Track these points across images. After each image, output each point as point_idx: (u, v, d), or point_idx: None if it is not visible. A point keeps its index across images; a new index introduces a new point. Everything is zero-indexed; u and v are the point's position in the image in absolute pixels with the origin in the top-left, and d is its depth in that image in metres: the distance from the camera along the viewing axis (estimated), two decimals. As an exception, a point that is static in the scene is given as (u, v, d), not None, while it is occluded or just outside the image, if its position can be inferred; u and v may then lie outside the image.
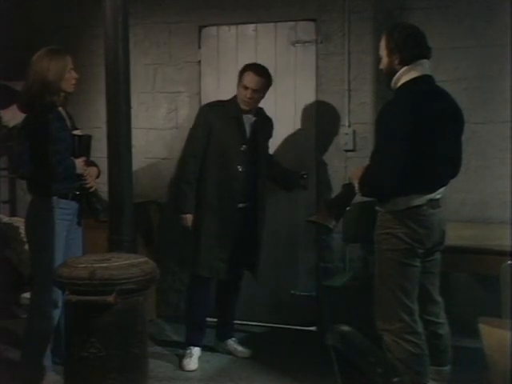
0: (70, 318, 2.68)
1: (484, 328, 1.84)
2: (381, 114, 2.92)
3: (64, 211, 3.34)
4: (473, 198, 3.99)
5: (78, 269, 2.61)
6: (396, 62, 2.89)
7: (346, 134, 4.20)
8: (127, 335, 2.64)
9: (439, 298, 3.01)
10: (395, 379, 1.95)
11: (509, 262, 2.34)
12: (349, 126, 4.21)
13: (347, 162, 4.21)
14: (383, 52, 2.94)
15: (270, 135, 3.99)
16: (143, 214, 4.54)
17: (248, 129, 3.78)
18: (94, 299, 2.54)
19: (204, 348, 3.93)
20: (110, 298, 2.52)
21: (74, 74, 3.34)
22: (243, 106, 3.72)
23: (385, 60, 2.94)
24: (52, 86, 3.25)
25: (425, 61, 2.93)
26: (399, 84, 2.91)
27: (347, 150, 4.21)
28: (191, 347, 3.84)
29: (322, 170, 4.29)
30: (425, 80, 2.95)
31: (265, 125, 3.90)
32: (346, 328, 2.53)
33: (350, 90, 4.19)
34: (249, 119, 3.78)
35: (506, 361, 1.69)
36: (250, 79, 3.66)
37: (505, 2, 3.84)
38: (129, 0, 4.27)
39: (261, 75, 3.68)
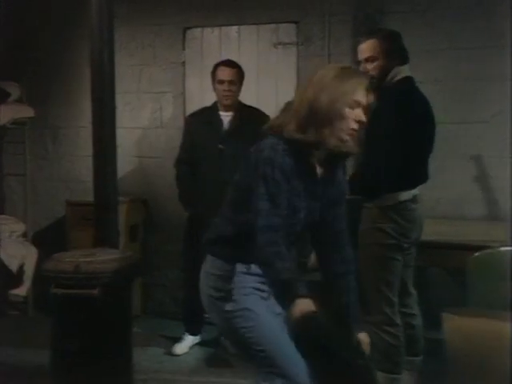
0: (55, 311, 2.78)
1: (446, 316, 1.95)
2: (382, 111, 2.99)
3: None
4: (448, 196, 4.12)
5: (63, 263, 2.72)
6: (394, 62, 3.00)
7: (326, 133, 4.31)
8: (112, 327, 2.75)
9: (413, 291, 3.14)
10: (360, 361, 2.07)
11: (476, 254, 2.47)
12: (329, 126, 4.32)
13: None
14: (378, 54, 2.99)
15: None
16: (129, 212, 4.64)
17: (227, 127, 3.89)
18: (79, 292, 2.65)
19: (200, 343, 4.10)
20: (94, 291, 2.62)
21: None
22: (224, 102, 3.85)
23: (381, 62, 2.99)
24: None
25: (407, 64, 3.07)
26: (392, 82, 3.01)
27: (327, 149, 4.32)
28: (185, 333, 4.03)
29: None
30: (411, 80, 3.08)
31: (251, 122, 3.83)
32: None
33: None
34: (226, 117, 3.89)
35: (466, 346, 1.79)
36: (224, 72, 3.83)
37: (478, 7, 3.98)
38: (115, 2, 4.42)
39: (233, 66, 3.87)
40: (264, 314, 2.11)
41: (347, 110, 2.00)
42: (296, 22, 4.38)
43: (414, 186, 3.03)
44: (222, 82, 3.83)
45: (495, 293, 2.29)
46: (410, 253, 3.07)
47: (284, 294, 1.97)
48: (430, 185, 3.86)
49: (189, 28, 4.65)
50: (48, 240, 4.94)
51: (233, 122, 3.90)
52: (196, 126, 3.95)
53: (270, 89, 4.46)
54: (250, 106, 4.01)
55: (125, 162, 4.79)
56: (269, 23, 4.44)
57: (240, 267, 2.13)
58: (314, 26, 4.33)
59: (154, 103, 4.80)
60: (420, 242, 3.16)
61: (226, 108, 3.89)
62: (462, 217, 4.04)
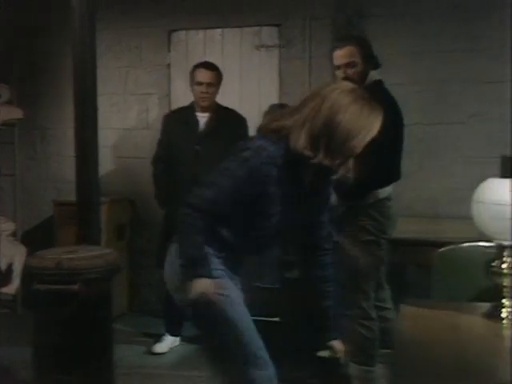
0: (38, 306, 2.87)
1: (402, 307, 2.05)
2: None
3: None
4: (425, 195, 4.22)
5: (46, 260, 2.81)
6: (371, 67, 3.14)
7: (308, 134, 4.41)
8: (93, 322, 2.84)
9: (386, 285, 3.25)
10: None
11: (440, 250, 2.57)
12: (310, 127, 4.42)
13: (309, 161, 4.42)
14: (358, 59, 3.11)
15: (238, 135, 3.99)
16: (116, 211, 4.73)
17: (203, 128, 3.96)
18: (61, 288, 2.74)
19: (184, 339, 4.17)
20: (75, 287, 2.72)
21: None
22: (202, 104, 3.92)
23: (360, 67, 3.12)
24: None
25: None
26: (366, 84, 3.12)
27: (309, 150, 4.42)
28: (166, 334, 4.10)
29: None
30: (382, 83, 3.20)
31: (227, 123, 3.98)
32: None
33: (311, 93, 4.40)
34: (203, 118, 3.96)
35: (414, 335, 1.87)
36: (202, 75, 3.89)
37: (454, 11, 4.09)
38: (101, 5, 4.51)
39: (211, 69, 3.93)
40: (234, 296, 2.15)
41: (361, 146, 1.97)
42: (278, 25, 4.49)
43: (390, 184, 3.15)
44: (200, 83, 3.89)
45: (457, 286, 2.39)
46: (384, 248, 3.18)
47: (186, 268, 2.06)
48: (408, 184, 4.01)
49: (174, 31, 4.75)
50: (37, 239, 5.01)
51: (209, 123, 3.95)
52: (173, 125, 4.01)
53: (253, 90, 4.56)
54: (226, 108, 4.07)
55: (112, 163, 4.91)
56: (251, 26, 4.55)
57: (208, 249, 2.12)
58: (296, 29, 4.43)
59: (140, 105, 4.90)
60: (394, 239, 3.27)
61: (203, 109, 3.96)
62: (437, 215, 4.15)
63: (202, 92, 3.90)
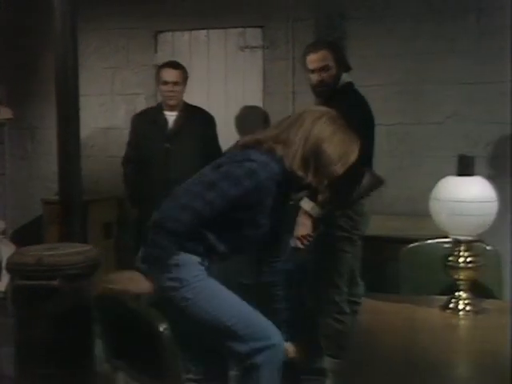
0: (20, 301, 2.94)
1: (364, 300, 2.14)
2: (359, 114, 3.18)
3: None
4: (405, 194, 4.30)
5: (27, 256, 2.88)
6: (343, 69, 3.23)
7: (291, 133, 4.49)
8: (73, 317, 2.91)
9: (361, 281, 3.33)
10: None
11: (407, 246, 2.65)
12: (293, 127, 4.50)
13: (292, 159, 4.50)
14: (332, 63, 3.19)
15: (205, 133, 4.10)
16: (103, 210, 4.80)
17: (172, 126, 4.02)
18: (41, 283, 2.81)
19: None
20: (55, 282, 2.79)
21: None
22: (169, 102, 3.99)
23: (334, 70, 3.20)
24: None
25: None
26: (338, 87, 3.22)
27: (292, 149, 4.50)
28: None
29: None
30: (353, 85, 3.29)
31: (195, 122, 4.04)
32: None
33: (294, 93, 4.48)
34: (171, 117, 4.02)
35: (371, 329, 1.95)
36: (167, 74, 3.95)
37: (430, 14, 4.17)
38: (89, 7, 4.59)
39: (177, 68, 3.98)
40: (223, 289, 2.21)
41: (343, 169, 2.18)
42: (261, 27, 4.57)
43: (362, 181, 3.23)
44: (166, 82, 3.95)
45: (423, 280, 2.47)
46: (357, 244, 3.26)
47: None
48: (389, 183, 4.08)
49: (160, 32, 4.83)
50: (26, 237, 5.09)
51: (178, 121, 4.01)
52: (142, 125, 4.07)
53: (238, 90, 4.64)
54: (194, 106, 4.13)
55: (100, 162, 4.98)
56: (236, 27, 4.62)
57: (192, 257, 2.17)
58: (279, 30, 4.51)
59: (128, 104, 4.97)
60: (369, 237, 3.37)
61: (171, 108, 4.01)
62: (417, 213, 4.22)
63: (168, 91, 3.96)
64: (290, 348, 2.38)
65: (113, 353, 1.99)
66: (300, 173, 2.12)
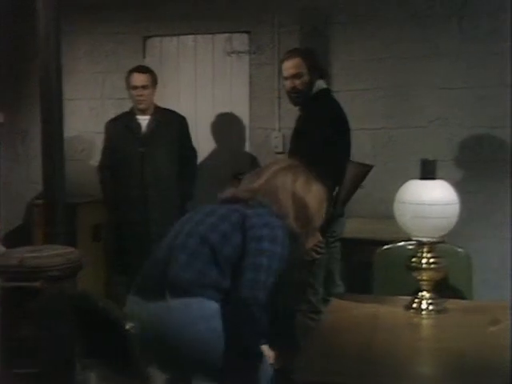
0: (4, 303, 3.00)
1: (332, 300, 2.19)
2: (319, 120, 3.26)
3: None
4: (389, 197, 4.31)
5: (10, 258, 2.94)
6: (316, 76, 3.30)
7: (276, 137, 4.56)
8: (55, 318, 2.97)
9: (340, 282, 3.39)
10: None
11: (380, 248, 2.71)
12: (279, 130, 4.56)
13: (278, 163, 4.55)
14: (304, 70, 3.29)
15: (178, 134, 4.17)
16: (92, 212, 4.85)
17: (145, 130, 4.09)
18: (23, 285, 2.87)
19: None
20: (37, 284, 2.85)
21: None
22: (139, 107, 4.07)
23: (306, 77, 3.30)
24: None
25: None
26: (312, 94, 3.29)
27: (278, 153, 4.56)
28: None
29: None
30: (329, 91, 3.37)
31: (169, 124, 4.12)
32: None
33: (279, 98, 4.53)
34: (144, 121, 4.10)
35: (333, 326, 2.01)
36: (136, 78, 4.05)
37: (413, 19, 4.23)
38: (79, 12, 4.65)
39: (144, 72, 4.08)
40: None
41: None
42: (248, 32, 4.62)
43: (339, 184, 3.29)
44: (135, 87, 4.04)
45: (395, 281, 2.53)
46: (335, 246, 3.33)
47: None
48: (374, 187, 4.15)
49: (149, 37, 4.89)
50: (18, 240, 5.13)
51: (150, 124, 4.09)
52: (115, 131, 4.15)
53: (225, 94, 4.70)
54: (165, 109, 4.21)
55: (89, 165, 5.03)
56: (223, 33, 4.68)
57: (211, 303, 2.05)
58: (265, 35, 4.57)
59: (117, 109, 4.99)
60: (353, 239, 3.43)
61: (143, 112, 4.09)
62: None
63: (138, 95, 4.04)
64: (267, 352, 2.41)
65: (83, 352, 2.03)
66: (297, 229, 2.19)
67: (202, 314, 1.96)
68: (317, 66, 3.32)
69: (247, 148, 4.69)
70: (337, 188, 3.26)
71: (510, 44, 4.02)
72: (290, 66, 3.30)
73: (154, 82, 4.12)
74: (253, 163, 4.64)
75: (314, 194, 2.24)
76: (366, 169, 3.57)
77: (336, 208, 3.29)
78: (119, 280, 4.23)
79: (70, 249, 3.10)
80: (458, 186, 4.19)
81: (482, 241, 4.20)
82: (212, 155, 4.66)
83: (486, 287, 4.15)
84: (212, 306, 1.98)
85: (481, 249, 4.18)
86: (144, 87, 4.04)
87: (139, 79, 4.04)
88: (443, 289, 2.42)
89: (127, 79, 4.13)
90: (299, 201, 2.20)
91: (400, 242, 2.62)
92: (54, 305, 2.94)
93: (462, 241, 3.78)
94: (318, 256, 3.15)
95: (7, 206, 5.38)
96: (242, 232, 2.05)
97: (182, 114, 4.53)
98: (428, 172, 2.12)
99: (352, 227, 3.68)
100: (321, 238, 3.11)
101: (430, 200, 2.06)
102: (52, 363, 2.96)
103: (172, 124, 4.13)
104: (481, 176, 4.20)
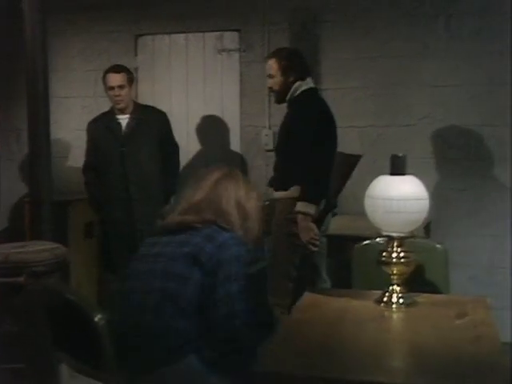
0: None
1: (305, 294, 2.22)
2: (301, 120, 3.31)
3: None
4: (377, 194, 4.37)
5: (-5, 254, 2.98)
6: (291, 79, 3.35)
7: (267, 135, 4.58)
8: (39, 314, 3.00)
9: (326, 277, 3.42)
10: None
11: (358, 244, 2.73)
12: (269, 128, 4.59)
13: (268, 160, 4.57)
14: (276, 72, 3.38)
15: (160, 130, 4.16)
16: (85, 210, 4.88)
17: (126, 129, 4.11)
18: (7, 280, 2.91)
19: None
20: (21, 279, 2.88)
21: None
22: (117, 106, 4.08)
23: (279, 78, 3.37)
24: None
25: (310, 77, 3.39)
26: (296, 94, 3.33)
27: (268, 150, 4.58)
28: None
29: (246, 167, 4.67)
30: (314, 91, 3.40)
31: (148, 121, 4.12)
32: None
33: (270, 96, 4.53)
34: (124, 120, 4.12)
35: (301, 318, 2.03)
36: (111, 79, 4.04)
37: (403, 18, 4.24)
38: (72, 11, 4.68)
39: (119, 71, 4.06)
40: None
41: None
42: (238, 30, 4.65)
43: (328, 178, 3.33)
44: (111, 88, 4.04)
45: (372, 276, 2.55)
46: (321, 242, 3.35)
47: None
48: (362, 185, 4.15)
49: (140, 36, 4.92)
50: (12, 238, 5.17)
51: (130, 123, 4.10)
52: (96, 131, 4.16)
53: (216, 92, 4.73)
54: (145, 106, 4.22)
55: (82, 163, 5.06)
56: (213, 31, 4.71)
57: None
58: (255, 34, 4.60)
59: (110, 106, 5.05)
60: (340, 236, 3.47)
61: (122, 111, 4.10)
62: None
63: (115, 95, 4.04)
64: None
65: (53, 345, 2.06)
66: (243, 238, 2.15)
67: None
68: (294, 67, 3.35)
69: (238, 146, 4.72)
70: (323, 201, 3.28)
71: (510, 44, 4.03)
72: (267, 67, 3.44)
73: (130, 80, 4.11)
74: (244, 161, 4.68)
75: (254, 202, 2.24)
76: (355, 159, 3.60)
77: (329, 200, 3.32)
78: (110, 278, 4.25)
79: (56, 244, 3.15)
80: (446, 183, 4.32)
81: (471, 238, 4.22)
82: (202, 152, 4.69)
83: (474, 284, 4.19)
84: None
85: (469, 246, 4.21)
86: (120, 87, 4.04)
87: (115, 79, 4.03)
88: (420, 284, 2.45)
89: (103, 80, 4.12)
90: (243, 209, 2.19)
91: (376, 238, 2.64)
92: (38, 300, 2.97)
93: (449, 238, 3.84)
94: (315, 248, 3.19)
95: (2, 204, 5.42)
96: (199, 266, 1.95)
97: (174, 111, 4.58)
98: (397, 167, 2.14)
99: (339, 224, 3.71)
100: (317, 231, 3.15)
101: (399, 195, 2.08)
102: (36, 358, 2.99)
103: (152, 121, 4.14)
104: (468, 174, 4.22)
